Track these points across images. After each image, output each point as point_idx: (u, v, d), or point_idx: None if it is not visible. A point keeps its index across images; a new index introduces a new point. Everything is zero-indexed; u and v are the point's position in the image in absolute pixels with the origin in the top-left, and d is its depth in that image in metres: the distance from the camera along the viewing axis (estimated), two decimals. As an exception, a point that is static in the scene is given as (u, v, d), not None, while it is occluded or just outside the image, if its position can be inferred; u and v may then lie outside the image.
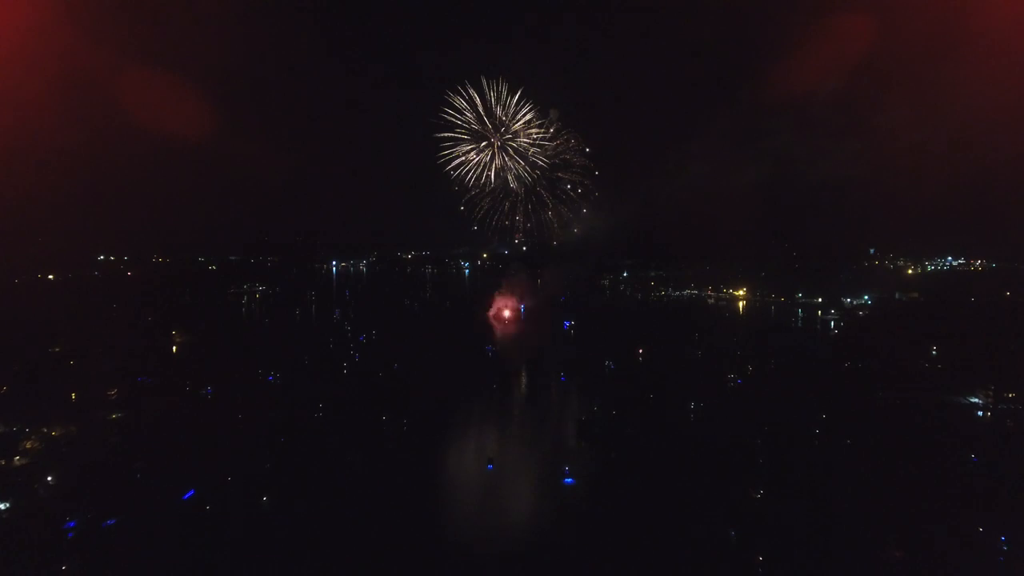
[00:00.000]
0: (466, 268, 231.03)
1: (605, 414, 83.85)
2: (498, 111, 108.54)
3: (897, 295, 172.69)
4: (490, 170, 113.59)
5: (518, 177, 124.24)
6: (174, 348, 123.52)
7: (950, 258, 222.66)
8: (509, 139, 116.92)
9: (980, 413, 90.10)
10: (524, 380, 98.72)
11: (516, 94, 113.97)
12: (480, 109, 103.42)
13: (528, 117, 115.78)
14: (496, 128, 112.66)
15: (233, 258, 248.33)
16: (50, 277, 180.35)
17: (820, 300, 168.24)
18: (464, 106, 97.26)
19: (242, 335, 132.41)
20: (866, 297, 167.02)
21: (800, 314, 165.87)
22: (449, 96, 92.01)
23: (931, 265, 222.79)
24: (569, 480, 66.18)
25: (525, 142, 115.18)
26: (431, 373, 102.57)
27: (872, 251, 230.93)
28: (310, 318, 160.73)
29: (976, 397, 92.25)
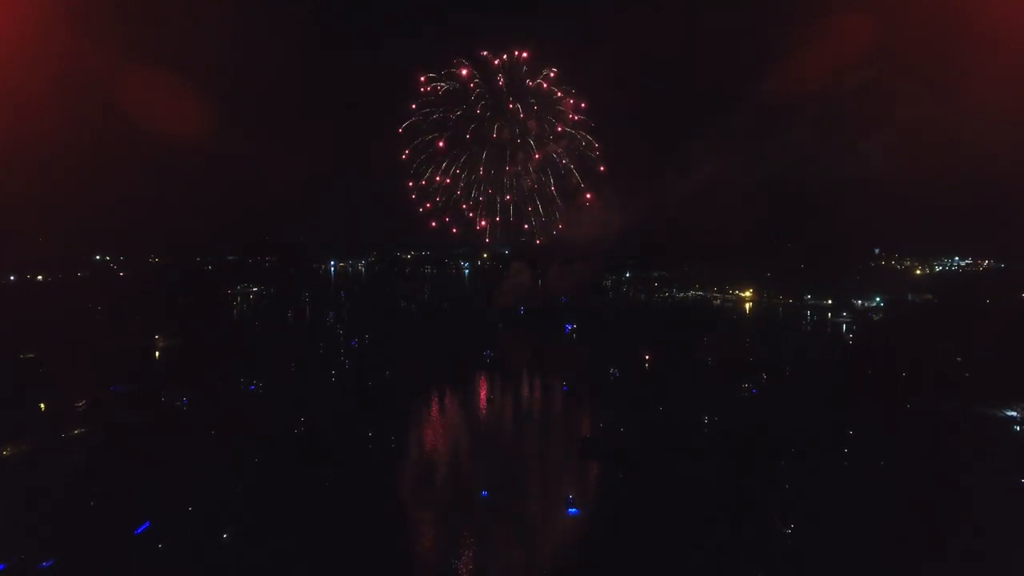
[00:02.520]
0: (466, 268, 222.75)
1: (612, 431, 74.75)
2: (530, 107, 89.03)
3: (909, 297, 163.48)
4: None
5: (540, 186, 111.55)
6: (157, 353, 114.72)
7: (957, 258, 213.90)
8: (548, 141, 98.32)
9: (1018, 428, 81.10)
10: (524, 390, 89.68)
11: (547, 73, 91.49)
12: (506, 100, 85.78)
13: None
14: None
15: (231, 258, 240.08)
16: (39, 278, 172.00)
17: (830, 302, 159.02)
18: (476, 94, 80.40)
19: (229, 339, 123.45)
20: (877, 299, 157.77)
21: (809, 316, 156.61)
22: (441, 79, 75.92)
23: (938, 265, 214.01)
24: (574, 511, 57.25)
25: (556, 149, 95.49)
26: (424, 382, 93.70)
27: (877, 251, 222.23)
28: (303, 320, 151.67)
29: (1012, 410, 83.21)
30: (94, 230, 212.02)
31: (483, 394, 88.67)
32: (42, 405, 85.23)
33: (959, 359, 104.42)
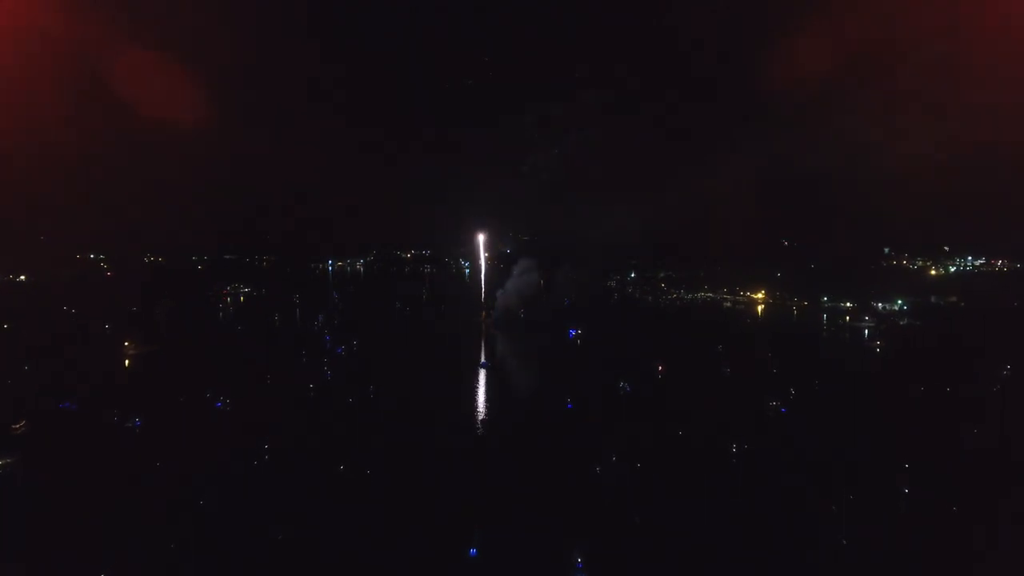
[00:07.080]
0: (466, 268, 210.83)
1: (625, 464, 61.49)
2: None
3: (932, 299, 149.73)
4: None
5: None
6: (127, 362, 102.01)
7: (970, 258, 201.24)
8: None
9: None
10: (523, 408, 76.61)
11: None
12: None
13: None
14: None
15: (228, 257, 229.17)
16: (21, 278, 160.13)
17: (848, 304, 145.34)
18: None
19: (206, 345, 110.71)
20: (899, 302, 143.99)
21: (826, 320, 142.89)
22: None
23: (953, 266, 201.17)
24: (582, 578, 44.19)
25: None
26: (412, 400, 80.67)
27: (887, 251, 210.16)
28: (291, 324, 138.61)
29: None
30: (91, 229, 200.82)
31: (477, 414, 75.62)
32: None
33: (1008, 371, 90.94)
